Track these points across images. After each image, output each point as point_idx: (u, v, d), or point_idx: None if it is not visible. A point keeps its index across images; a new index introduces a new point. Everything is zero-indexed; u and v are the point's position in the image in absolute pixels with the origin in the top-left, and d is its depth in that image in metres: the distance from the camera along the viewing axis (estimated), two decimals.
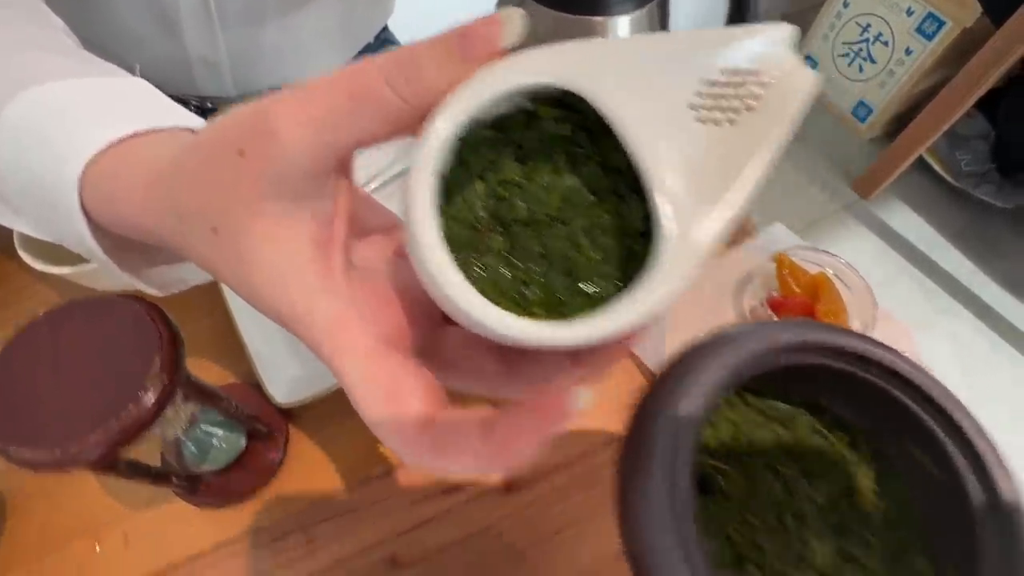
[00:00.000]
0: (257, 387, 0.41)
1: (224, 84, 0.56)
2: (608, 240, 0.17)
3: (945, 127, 1.30)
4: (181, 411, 0.32)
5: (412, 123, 0.16)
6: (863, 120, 1.58)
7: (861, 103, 1.56)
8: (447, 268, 0.16)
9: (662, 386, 0.20)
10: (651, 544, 0.17)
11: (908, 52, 1.40)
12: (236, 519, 0.40)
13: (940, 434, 0.19)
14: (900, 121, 1.40)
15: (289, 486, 0.41)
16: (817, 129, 1.62)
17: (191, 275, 0.27)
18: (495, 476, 0.42)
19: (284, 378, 0.41)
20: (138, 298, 0.28)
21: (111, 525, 0.39)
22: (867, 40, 1.48)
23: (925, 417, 0.20)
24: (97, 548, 0.38)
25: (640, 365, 0.46)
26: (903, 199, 1.51)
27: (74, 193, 0.20)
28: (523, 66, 0.15)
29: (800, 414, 0.24)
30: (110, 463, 0.30)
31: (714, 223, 0.15)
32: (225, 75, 0.55)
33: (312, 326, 0.17)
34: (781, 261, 0.45)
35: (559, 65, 0.16)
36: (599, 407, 0.44)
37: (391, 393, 0.17)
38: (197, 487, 0.39)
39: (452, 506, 0.41)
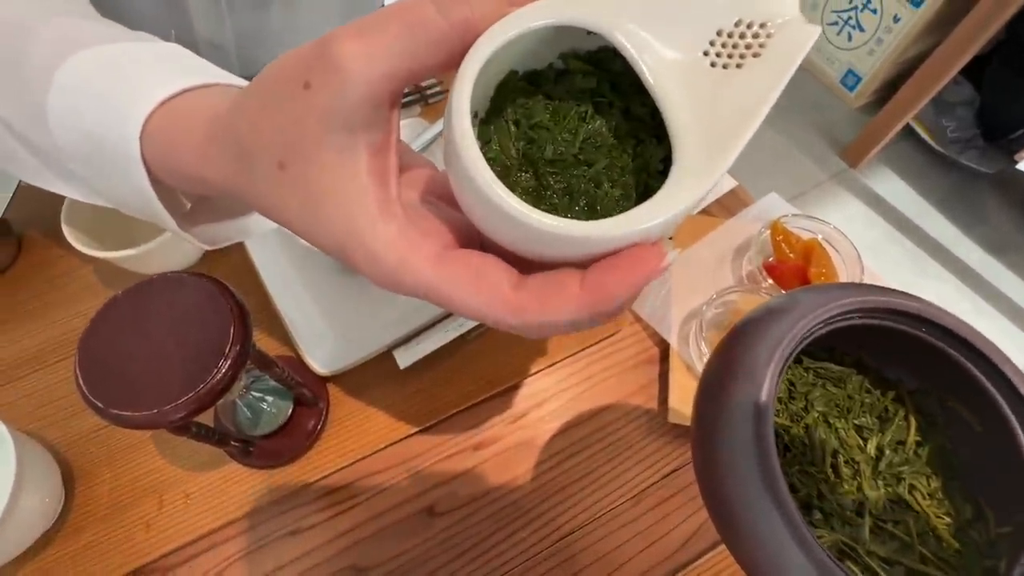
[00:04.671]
0: (299, 359, 0.45)
1: (230, 66, 0.57)
2: (627, 179, 0.19)
3: (932, 94, 1.33)
4: (242, 378, 0.35)
5: (460, 54, 0.17)
6: (852, 89, 1.60)
7: (850, 72, 1.59)
8: (492, 178, 0.16)
9: (730, 361, 0.21)
10: (743, 499, 0.19)
11: (896, 19, 1.42)
12: (285, 478, 0.44)
13: (990, 388, 0.21)
14: (888, 89, 1.42)
15: (332, 448, 0.45)
16: (806, 99, 1.64)
17: (235, 232, 0.28)
18: (518, 435, 0.46)
19: (322, 348, 0.44)
20: (205, 276, 0.31)
21: (173, 486, 0.43)
22: (856, 8, 1.49)
23: (976, 372, 0.21)
24: (161, 505, 0.42)
25: (647, 328, 0.50)
26: (890, 166, 1.55)
27: (135, 143, 0.21)
28: (554, 7, 0.17)
29: (850, 374, 0.26)
30: (188, 425, 0.33)
31: (727, 155, 0.16)
32: (231, 57, 0.57)
33: (377, 249, 0.18)
34: (776, 228, 0.48)
35: (586, 6, 0.17)
36: (610, 371, 0.48)
37: (475, 277, 0.18)
38: (250, 450, 0.42)
39: (480, 461, 0.45)
